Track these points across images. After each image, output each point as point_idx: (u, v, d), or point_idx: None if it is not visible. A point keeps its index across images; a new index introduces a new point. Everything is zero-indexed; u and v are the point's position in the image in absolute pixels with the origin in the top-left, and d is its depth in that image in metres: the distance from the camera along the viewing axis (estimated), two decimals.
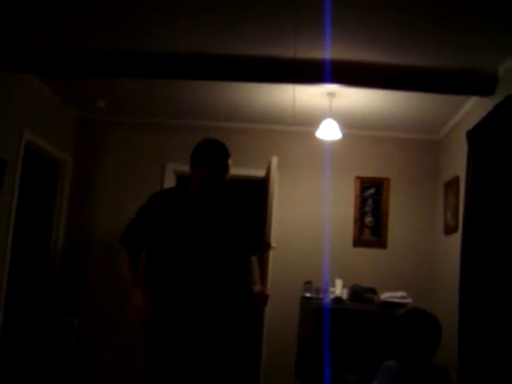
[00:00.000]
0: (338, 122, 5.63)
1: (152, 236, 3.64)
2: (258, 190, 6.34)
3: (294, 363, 5.50)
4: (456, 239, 5.21)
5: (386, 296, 5.45)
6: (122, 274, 3.65)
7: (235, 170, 6.53)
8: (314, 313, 5.32)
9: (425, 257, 6.33)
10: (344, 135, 5.86)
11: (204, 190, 3.68)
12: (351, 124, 6.24)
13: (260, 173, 6.28)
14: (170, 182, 6.65)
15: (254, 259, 3.95)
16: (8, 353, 5.59)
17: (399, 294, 5.46)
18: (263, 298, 3.74)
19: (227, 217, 3.80)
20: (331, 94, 5.37)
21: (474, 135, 4.81)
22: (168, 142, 6.68)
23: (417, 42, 4.21)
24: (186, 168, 6.55)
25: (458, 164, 5.48)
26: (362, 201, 6.52)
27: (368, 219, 6.49)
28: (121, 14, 4.15)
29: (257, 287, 3.75)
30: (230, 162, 3.72)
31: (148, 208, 3.72)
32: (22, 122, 5.43)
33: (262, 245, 4.10)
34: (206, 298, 3.68)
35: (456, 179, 5.53)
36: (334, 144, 6.18)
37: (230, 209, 3.86)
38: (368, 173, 6.55)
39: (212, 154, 3.71)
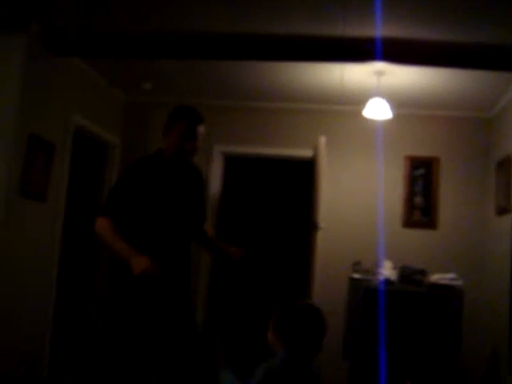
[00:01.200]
0: (387, 101, 5.55)
1: (132, 205, 3.55)
2: (307, 170, 6.30)
3: (342, 344, 5.47)
4: (508, 220, 5.10)
5: (435, 278, 5.37)
6: (109, 244, 3.49)
7: (283, 151, 6.63)
8: (363, 294, 5.28)
9: (475, 238, 6.22)
10: (393, 114, 5.77)
11: (176, 155, 3.66)
12: (400, 103, 6.14)
13: (308, 153, 6.24)
14: (217, 162, 6.68)
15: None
16: (60, 334, 5.69)
17: (449, 275, 5.37)
18: (241, 255, 3.88)
19: (193, 186, 3.87)
20: (380, 73, 5.29)
21: None
22: (215, 123, 6.65)
23: (468, 18, 4.11)
24: (234, 149, 6.69)
25: (510, 142, 5.35)
26: (411, 181, 6.42)
27: (418, 199, 6.39)
28: None
29: (231, 247, 3.90)
30: (202, 127, 3.77)
31: (127, 178, 3.63)
32: (70, 105, 5.49)
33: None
34: (179, 267, 3.71)
35: (508, 158, 5.40)
36: (382, 123, 6.09)
37: (196, 178, 3.93)
38: (417, 152, 6.45)
39: (183, 117, 3.74)
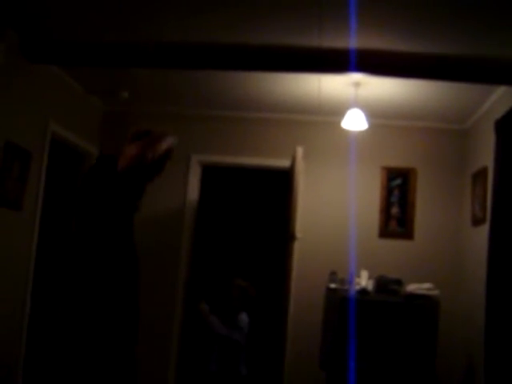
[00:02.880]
0: (364, 112, 5.58)
1: None
2: (284, 180, 6.31)
3: (319, 354, 5.47)
4: (484, 231, 5.14)
5: (412, 288, 5.40)
6: None
7: (260, 160, 6.63)
8: (339, 304, 5.29)
9: (452, 249, 6.26)
10: (370, 125, 5.81)
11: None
12: (377, 114, 6.18)
13: (285, 163, 6.25)
14: (195, 172, 6.66)
15: None
16: (35, 344, 5.64)
17: (426, 285, 5.40)
18: None
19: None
20: (357, 84, 5.32)
21: (502, 125, 4.73)
22: (193, 133, 6.66)
23: (444, 30, 4.15)
24: (211, 158, 6.68)
25: (486, 154, 5.40)
26: (388, 191, 6.45)
27: (394, 210, 6.43)
28: (144, 5, 4.14)
29: None
30: None
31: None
32: (47, 113, 5.46)
33: None
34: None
35: (484, 170, 5.45)
36: (359, 134, 6.13)
37: None
38: (394, 163, 6.48)
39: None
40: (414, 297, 5.31)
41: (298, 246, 5.85)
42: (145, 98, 6.43)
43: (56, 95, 5.64)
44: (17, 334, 5.18)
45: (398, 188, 6.45)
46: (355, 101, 5.47)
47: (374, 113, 6.09)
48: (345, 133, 6.12)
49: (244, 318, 5.42)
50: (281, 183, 6.55)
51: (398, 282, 5.47)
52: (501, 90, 5.11)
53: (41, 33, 4.74)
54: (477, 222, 5.63)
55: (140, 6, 4.17)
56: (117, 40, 4.76)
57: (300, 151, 5.68)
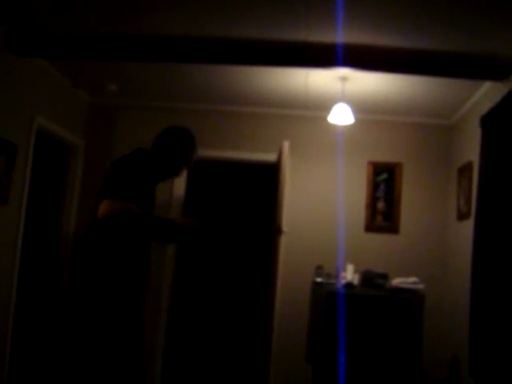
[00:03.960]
0: (351, 107, 5.60)
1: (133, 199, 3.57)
2: (270, 174, 6.32)
3: (305, 348, 5.49)
4: (469, 225, 5.17)
5: (397, 282, 5.43)
6: (142, 220, 3.63)
7: (247, 155, 6.63)
8: (325, 298, 5.32)
9: (437, 243, 6.31)
10: (356, 120, 5.83)
11: (168, 170, 3.97)
12: (364, 108, 6.20)
13: (272, 157, 6.26)
14: None
15: None
16: (20, 337, 5.62)
17: (411, 279, 5.43)
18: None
19: None
20: (344, 78, 5.33)
21: (487, 120, 4.76)
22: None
23: (430, 25, 4.16)
24: (198, 152, 6.65)
25: (471, 149, 5.43)
26: (374, 186, 6.48)
27: (380, 204, 6.46)
28: None
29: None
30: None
31: (138, 170, 3.75)
32: (33, 106, 5.43)
33: None
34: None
35: (469, 164, 5.49)
36: (346, 128, 6.15)
37: None
38: (380, 158, 6.51)
39: (193, 146, 4.21)
40: (399, 291, 5.34)
41: (284, 240, 5.86)
42: (132, 92, 6.42)
43: (42, 88, 5.61)
44: (2, 327, 5.16)
45: (384, 182, 6.48)
46: (342, 95, 5.49)
47: (361, 107, 6.12)
48: (331, 127, 6.14)
49: None
50: (267, 177, 6.56)
51: (384, 276, 5.50)
52: (486, 86, 5.15)
53: (27, 25, 4.71)
54: (462, 216, 5.67)
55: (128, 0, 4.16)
56: (105, 33, 4.73)
57: (287, 145, 5.69)
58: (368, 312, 5.34)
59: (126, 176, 3.61)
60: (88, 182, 6.59)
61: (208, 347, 7.54)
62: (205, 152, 6.66)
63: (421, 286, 5.40)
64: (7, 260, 5.20)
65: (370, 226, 6.43)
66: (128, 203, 3.47)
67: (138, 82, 6.11)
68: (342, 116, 5.55)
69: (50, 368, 6.00)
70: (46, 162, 6.17)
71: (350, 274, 5.54)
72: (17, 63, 5.01)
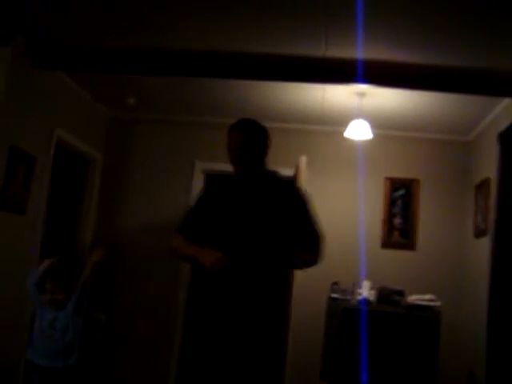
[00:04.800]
0: (368, 122, 5.59)
1: (204, 226, 3.48)
2: None
3: (320, 364, 5.46)
4: (486, 242, 5.14)
5: (413, 298, 5.40)
6: (183, 253, 3.60)
7: None
8: (341, 314, 5.29)
9: (454, 260, 6.26)
10: (374, 135, 5.82)
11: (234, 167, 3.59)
12: (381, 124, 6.19)
13: (289, 172, 6.25)
14: (199, 179, 6.66)
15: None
16: None
17: (427, 296, 5.40)
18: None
19: (272, 203, 3.48)
20: (361, 94, 5.33)
21: (505, 137, 4.75)
22: (197, 140, 6.69)
23: (448, 41, 4.16)
24: (214, 166, 6.68)
25: (489, 166, 5.41)
26: (391, 202, 6.46)
27: (397, 221, 6.43)
28: (152, 13, 4.16)
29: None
30: (235, 132, 3.60)
31: (200, 198, 3.64)
32: (52, 119, 5.48)
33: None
34: (250, 301, 3.40)
35: (487, 181, 5.46)
36: (363, 144, 6.14)
37: (282, 195, 3.56)
38: (397, 174, 6.49)
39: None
40: (415, 307, 5.32)
41: None
42: (151, 105, 6.46)
43: (62, 101, 5.66)
44: (20, 339, 5.18)
45: (401, 198, 6.45)
46: (359, 111, 5.48)
47: (378, 123, 6.10)
48: (348, 143, 6.13)
49: None
50: None
51: (400, 293, 5.48)
52: (505, 103, 5.13)
53: (48, 39, 4.77)
54: (479, 233, 5.64)
55: (147, 14, 4.19)
56: (124, 46, 4.78)
57: (304, 160, 5.69)
58: (384, 328, 5.31)
59: (189, 209, 3.65)
60: (105, 194, 6.63)
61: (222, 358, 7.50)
62: (221, 165, 6.69)
63: (437, 303, 5.37)
64: (24, 270, 5.22)
65: (387, 243, 6.40)
66: (177, 235, 3.52)
67: (156, 96, 6.15)
68: (359, 131, 5.55)
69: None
70: (64, 174, 6.21)
71: (366, 290, 5.51)
72: (37, 75, 5.07)
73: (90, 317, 6.13)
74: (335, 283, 5.62)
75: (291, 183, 3.67)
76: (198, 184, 6.66)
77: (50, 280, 3.97)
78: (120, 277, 6.53)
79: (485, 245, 5.21)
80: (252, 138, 3.55)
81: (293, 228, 3.44)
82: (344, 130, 5.72)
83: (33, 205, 5.23)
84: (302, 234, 3.49)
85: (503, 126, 4.85)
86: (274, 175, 3.67)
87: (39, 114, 5.25)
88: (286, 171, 6.31)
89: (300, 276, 5.86)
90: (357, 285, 5.58)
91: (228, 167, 6.64)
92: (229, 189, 3.61)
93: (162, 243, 6.49)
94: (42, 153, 5.32)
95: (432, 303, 5.35)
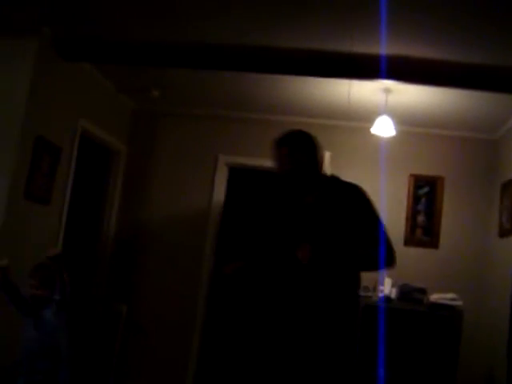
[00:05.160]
0: (393, 119, 5.56)
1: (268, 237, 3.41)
2: None
3: None
4: (510, 242, 5.09)
5: (435, 297, 5.37)
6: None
7: None
8: (362, 310, 5.27)
9: (477, 259, 6.20)
10: (399, 132, 5.78)
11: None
12: (407, 121, 6.15)
13: None
14: (222, 173, 6.67)
15: None
16: None
17: (449, 295, 5.37)
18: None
19: (329, 210, 3.36)
20: (387, 90, 5.30)
21: None
22: (221, 134, 6.70)
23: (475, 38, 4.12)
24: (237, 160, 6.69)
25: None
26: (415, 199, 6.42)
27: (420, 218, 6.39)
28: (178, 5, 4.17)
29: None
30: (282, 149, 3.53)
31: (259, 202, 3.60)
32: (78, 110, 5.51)
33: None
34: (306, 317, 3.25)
35: None
36: (388, 140, 6.10)
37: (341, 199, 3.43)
38: (422, 171, 6.45)
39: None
40: (437, 306, 5.28)
41: None
42: (175, 98, 6.47)
43: (88, 93, 5.69)
44: None
45: (425, 196, 6.41)
46: (385, 107, 5.45)
47: (404, 120, 6.07)
48: (373, 139, 6.10)
49: None
50: None
51: (422, 291, 5.45)
52: None
53: (74, 30, 4.79)
54: (504, 233, 5.58)
55: (174, 6, 4.19)
56: (150, 39, 4.79)
57: (328, 156, 5.67)
58: (405, 327, 5.29)
59: None
60: (129, 186, 6.66)
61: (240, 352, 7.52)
62: (245, 159, 6.71)
63: (459, 303, 5.33)
64: None
65: (410, 240, 6.36)
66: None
67: (181, 89, 6.16)
68: (384, 128, 5.51)
69: (86, 370, 6.05)
70: (88, 165, 6.25)
71: (387, 288, 5.49)
72: (64, 67, 5.10)
73: (110, 308, 6.22)
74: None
75: (355, 186, 3.54)
76: (221, 177, 6.68)
77: (36, 276, 3.79)
78: (142, 268, 6.57)
79: (509, 245, 5.16)
80: (296, 151, 3.48)
81: (361, 231, 3.35)
82: (369, 127, 5.69)
83: (57, 195, 5.27)
84: (369, 237, 3.36)
85: None
86: (336, 179, 3.55)
87: (65, 105, 5.28)
88: None
89: None
90: (379, 282, 5.55)
91: (250, 161, 6.69)
92: (286, 195, 3.49)
93: (185, 236, 6.59)
94: (67, 143, 5.36)
95: (454, 302, 5.31)
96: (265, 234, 3.41)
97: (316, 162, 3.48)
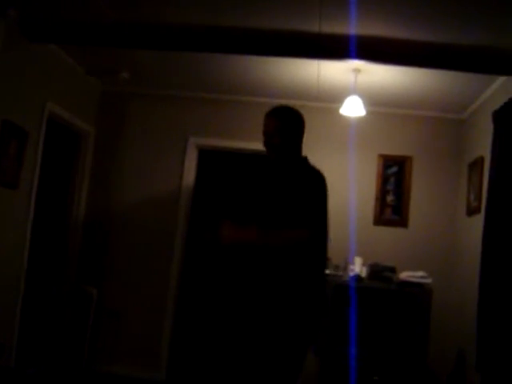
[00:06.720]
0: (363, 99, 5.58)
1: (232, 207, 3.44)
2: None
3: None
4: (478, 220, 5.16)
5: (405, 275, 5.43)
6: (237, 239, 3.33)
7: (256, 145, 6.59)
8: (333, 290, 5.32)
9: (446, 237, 6.28)
10: (368, 112, 5.81)
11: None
12: (376, 101, 6.18)
13: None
14: (192, 155, 6.65)
15: None
16: (28, 322, 5.66)
17: (419, 273, 5.43)
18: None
19: (292, 189, 3.40)
20: (356, 70, 5.31)
21: (500, 115, 4.74)
22: (191, 116, 6.67)
23: (444, 18, 4.14)
24: (207, 142, 6.67)
25: (482, 144, 5.41)
26: (384, 179, 6.46)
27: (389, 198, 6.44)
28: None
29: None
30: (268, 120, 3.61)
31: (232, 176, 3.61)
32: (45, 92, 5.44)
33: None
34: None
35: (480, 159, 5.46)
36: (357, 121, 6.13)
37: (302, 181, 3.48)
38: (391, 151, 6.49)
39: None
40: (407, 284, 5.34)
41: None
42: (145, 80, 6.42)
43: (55, 75, 5.62)
44: (11, 312, 5.19)
45: (394, 176, 6.46)
46: (354, 87, 5.47)
47: (373, 100, 6.10)
48: (343, 119, 6.12)
49: None
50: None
51: (392, 270, 5.50)
52: (499, 81, 5.12)
53: (41, 11, 4.72)
54: (472, 211, 5.65)
55: None
56: (118, 20, 4.74)
57: None
58: (375, 305, 5.35)
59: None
60: (98, 169, 6.62)
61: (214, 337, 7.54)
62: (214, 141, 6.70)
63: (429, 281, 5.40)
64: (17, 245, 5.23)
65: (379, 220, 6.42)
66: (224, 222, 3.35)
67: (151, 71, 6.11)
68: (353, 108, 5.53)
69: (57, 354, 6.03)
70: (56, 148, 6.19)
71: (358, 267, 5.54)
72: (30, 49, 5.03)
73: (81, 291, 6.20)
74: (327, 259, 5.62)
75: (318, 173, 3.59)
76: (191, 159, 6.66)
77: None
78: (113, 252, 6.54)
79: (477, 223, 5.23)
80: (286, 124, 3.58)
81: (296, 209, 3.30)
82: (338, 107, 5.71)
83: (25, 180, 5.22)
84: (300, 214, 3.29)
85: (498, 104, 4.84)
86: (305, 162, 3.66)
87: (31, 88, 5.21)
88: None
89: None
90: (349, 261, 5.60)
91: (221, 142, 6.69)
92: (258, 171, 3.58)
93: (155, 218, 6.56)
94: (34, 127, 5.29)
95: (423, 280, 5.38)
96: (226, 209, 3.46)
97: (301, 141, 3.69)
